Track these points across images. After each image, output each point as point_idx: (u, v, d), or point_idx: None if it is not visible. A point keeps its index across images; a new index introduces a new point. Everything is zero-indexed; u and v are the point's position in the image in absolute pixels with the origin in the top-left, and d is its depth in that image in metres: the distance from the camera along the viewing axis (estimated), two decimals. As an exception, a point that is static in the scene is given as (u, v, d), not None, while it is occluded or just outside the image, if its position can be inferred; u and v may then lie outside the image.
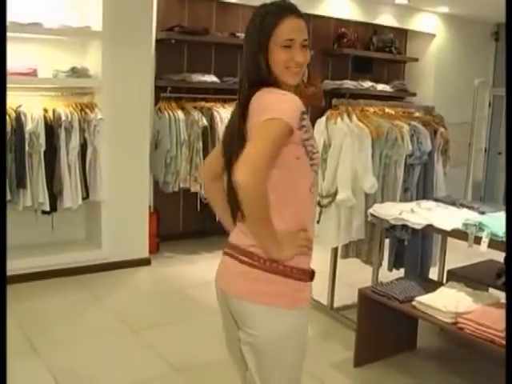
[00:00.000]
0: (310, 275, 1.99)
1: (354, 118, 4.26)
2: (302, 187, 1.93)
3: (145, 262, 5.47)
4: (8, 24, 4.54)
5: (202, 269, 5.38)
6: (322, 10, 6.64)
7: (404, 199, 4.38)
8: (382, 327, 3.76)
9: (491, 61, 8.50)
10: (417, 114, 4.84)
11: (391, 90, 7.43)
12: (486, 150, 8.61)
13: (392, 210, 3.81)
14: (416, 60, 7.77)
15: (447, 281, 4.06)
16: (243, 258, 1.91)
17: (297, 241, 1.90)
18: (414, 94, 7.66)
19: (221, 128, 5.60)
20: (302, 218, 1.95)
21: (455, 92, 7.68)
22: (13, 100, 4.75)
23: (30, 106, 4.78)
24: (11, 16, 4.61)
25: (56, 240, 5.24)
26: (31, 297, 4.66)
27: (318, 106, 6.53)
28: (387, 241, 4.55)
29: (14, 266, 4.83)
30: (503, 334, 2.93)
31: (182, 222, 6.41)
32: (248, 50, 1.94)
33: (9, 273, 4.73)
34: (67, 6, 5.03)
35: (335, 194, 4.17)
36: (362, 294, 3.68)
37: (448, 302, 3.30)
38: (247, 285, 1.91)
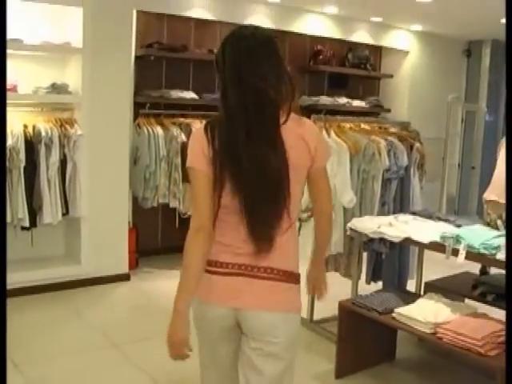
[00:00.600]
0: None
1: (332, 133, 4.35)
2: None
3: (124, 278, 5.49)
4: (-12, 40, 4.60)
5: (180, 284, 5.40)
6: (299, 27, 6.75)
7: (381, 213, 4.47)
8: (362, 339, 3.82)
9: (463, 77, 8.71)
10: (392, 130, 4.95)
11: (366, 106, 7.55)
12: (459, 165, 8.78)
13: (370, 224, 3.89)
14: (390, 76, 7.92)
15: (425, 292, 4.15)
16: (266, 274, 2.03)
17: None
18: (388, 110, 7.80)
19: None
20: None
21: (429, 108, 7.84)
22: (-8, 116, 4.77)
23: (11, 121, 4.76)
24: (-9, 32, 4.65)
25: (35, 256, 5.22)
26: (11, 313, 4.59)
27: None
28: (365, 254, 4.63)
29: (-8, 282, 4.84)
30: (481, 343, 3.02)
31: (161, 237, 6.44)
32: None
33: (-14, 289, 4.77)
34: (47, 22, 5.06)
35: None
36: (343, 306, 3.74)
37: (427, 312, 3.38)
38: (273, 297, 2.04)
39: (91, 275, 5.24)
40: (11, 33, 4.68)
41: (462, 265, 4.03)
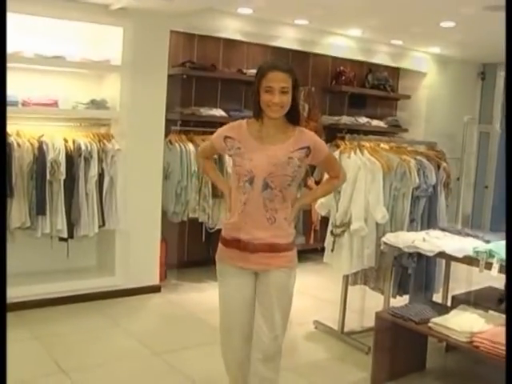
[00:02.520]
0: None
1: (366, 152, 4.53)
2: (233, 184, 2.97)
3: (155, 289, 5.64)
4: (33, 56, 4.82)
5: (210, 296, 5.50)
6: (322, 49, 6.96)
7: (410, 229, 4.62)
8: (396, 349, 3.97)
9: (478, 99, 8.91)
10: (410, 148, 5.13)
11: (385, 126, 7.75)
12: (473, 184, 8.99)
13: (404, 239, 4.06)
14: (408, 97, 8.12)
15: (452, 305, 4.31)
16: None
17: None
18: (406, 130, 7.99)
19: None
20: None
21: (445, 128, 8.02)
22: (35, 130, 4.95)
23: (52, 135, 4.96)
24: (36, 48, 4.86)
25: (71, 267, 5.38)
26: (52, 321, 4.79)
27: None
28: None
29: (30, 292, 5.01)
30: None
31: (187, 250, 6.60)
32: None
33: (25, 298, 4.95)
34: (88, 40, 5.26)
35: (348, 223, 4.41)
36: (380, 316, 3.89)
37: (462, 322, 3.55)
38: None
39: (124, 286, 5.40)
40: (53, 50, 4.90)
41: (480, 281, 4.28)
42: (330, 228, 4.65)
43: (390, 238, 4.15)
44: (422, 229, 4.64)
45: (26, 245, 5.15)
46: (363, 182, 4.38)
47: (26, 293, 4.98)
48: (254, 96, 2.82)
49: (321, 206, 4.72)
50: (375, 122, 7.65)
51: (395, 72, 8.18)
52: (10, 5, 4.56)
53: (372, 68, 7.71)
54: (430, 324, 3.64)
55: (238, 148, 2.86)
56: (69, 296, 5.14)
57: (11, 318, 4.67)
